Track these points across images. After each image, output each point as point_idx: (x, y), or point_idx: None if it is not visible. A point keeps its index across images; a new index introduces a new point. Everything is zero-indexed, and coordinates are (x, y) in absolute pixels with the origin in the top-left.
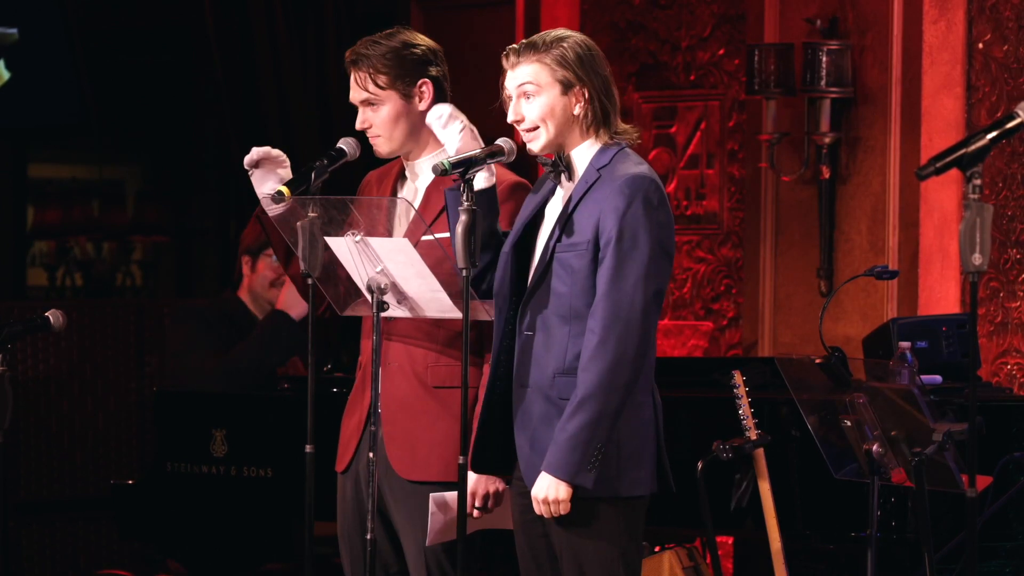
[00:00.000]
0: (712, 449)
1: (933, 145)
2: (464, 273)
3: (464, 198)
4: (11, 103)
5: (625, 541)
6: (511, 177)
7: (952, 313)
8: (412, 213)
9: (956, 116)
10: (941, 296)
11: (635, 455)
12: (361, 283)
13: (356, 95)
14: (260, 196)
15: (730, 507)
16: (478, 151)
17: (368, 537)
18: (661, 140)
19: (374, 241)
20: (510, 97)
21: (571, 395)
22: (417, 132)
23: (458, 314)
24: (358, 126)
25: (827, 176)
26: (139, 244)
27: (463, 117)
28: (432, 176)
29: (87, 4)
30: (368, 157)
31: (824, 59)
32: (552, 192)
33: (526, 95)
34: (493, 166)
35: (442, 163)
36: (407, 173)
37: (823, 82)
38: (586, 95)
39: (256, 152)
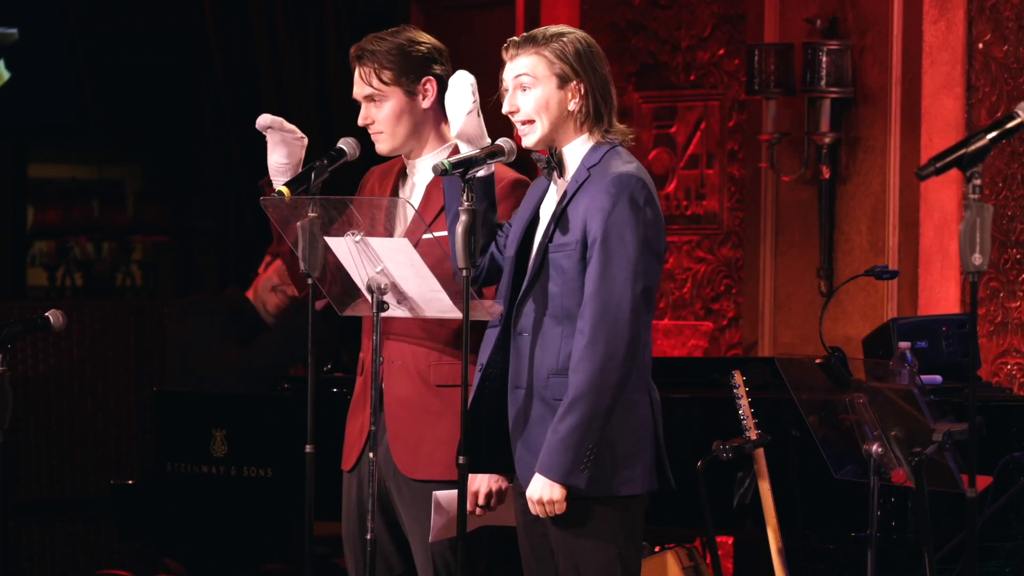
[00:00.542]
0: (712, 449)
1: (933, 145)
2: (464, 273)
3: (464, 198)
4: (11, 103)
5: (622, 540)
6: (511, 174)
7: (952, 313)
8: (412, 212)
9: (956, 116)
10: (941, 296)
11: (630, 454)
12: (361, 283)
13: (359, 90)
14: (269, 164)
15: (732, 506)
16: (477, 151)
17: (368, 537)
18: (661, 140)
19: (374, 241)
20: (507, 89)
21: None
22: (419, 130)
23: (458, 314)
24: (360, 122)
25: (827, 176)
26: (139, 244)
27: (477, 98)
28: (432, 175)
29: (87, 4)
30: (368, 157)
31: (824, 59)
32: (547, 191)
33: (522, 87)
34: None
35: (442, 163)
36: (407, 171)
37: (823, 82)
38: (582, 91)
39: (266, 119)
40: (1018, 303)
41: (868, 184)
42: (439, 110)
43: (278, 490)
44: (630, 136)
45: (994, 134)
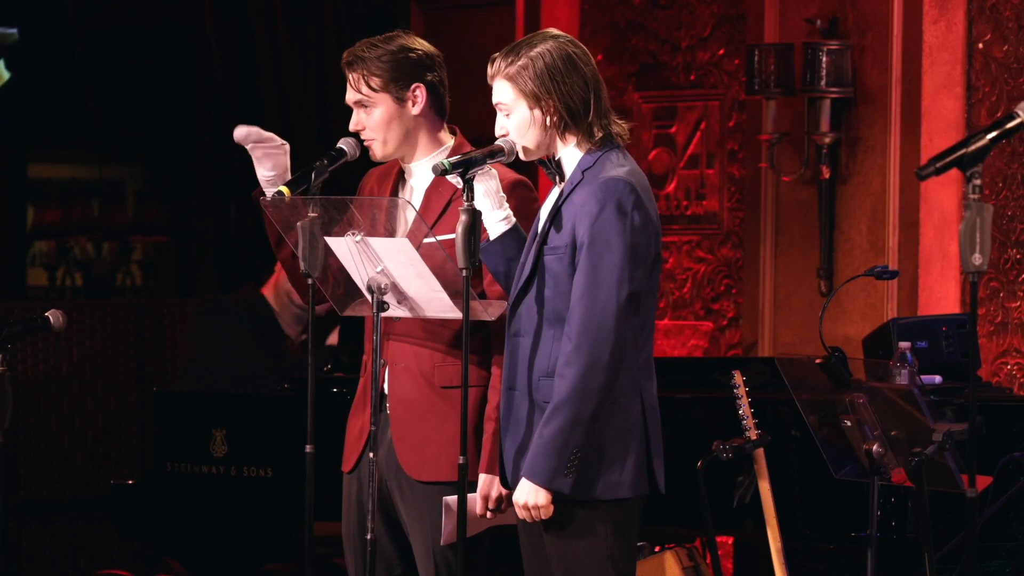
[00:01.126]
0: (712, 449)
1: (933, 145)
2: (464, 273)
3: (465, 198)
4: (11, 103)
5: (613, 543)
6: (511, 175)
7: (952, 313)
8: (412, 214)
9: (956, 116)
10: (941, 296)
11: (617, 458)
12: (361, 283)
13: (350, 96)
14: (259, 178)
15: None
16: (477, 152)
17: (368, 537)
18: (661, 140)
19: (374, 241)
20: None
21: None
22: (411, 136)
23: (458, 314)
24: (351, 127)
25: (827, 176)
26: (139, 244)
27: (496, 185)
28: (430, 178)
29: (87, 4)
30: (367, 158)
31: (824, 59)
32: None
33: (503, 112)
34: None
35: (442, 163)
36: (405, 175)
37: (823, 82)
38: (552, 106)
39: (242, 131)
40: (1018, 303)
41: (868, 184)
42: (432, 115)
43: (278, 490)
44: (626, 135)
45: (994, 134)
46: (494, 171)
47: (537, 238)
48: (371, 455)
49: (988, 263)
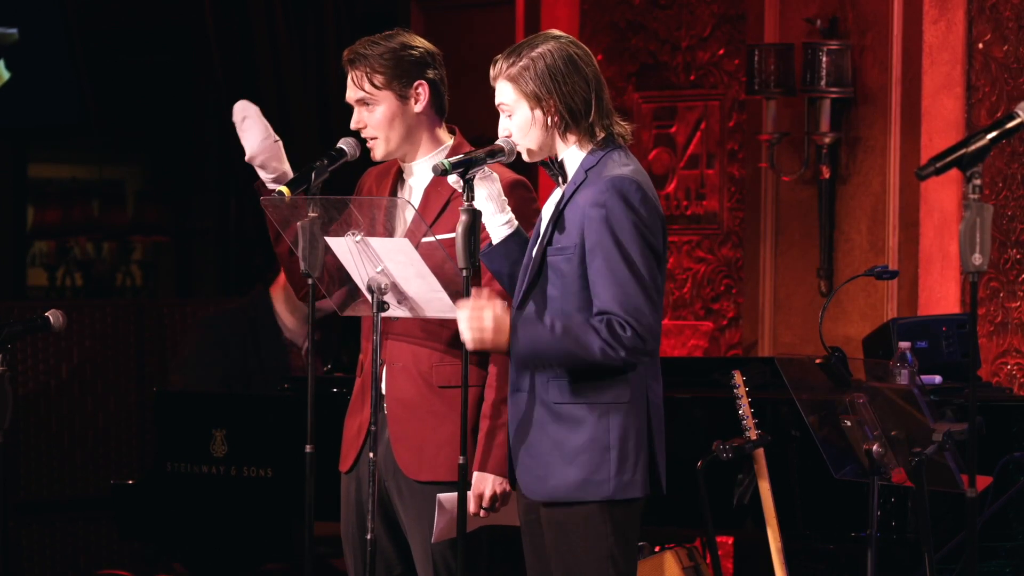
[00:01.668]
0: (712, 449)
1: (933, 145)
2: (464, 273)
3: (465, 198)
4: (11, 103)
5: (614, 543)
6: (510, 175)
7: (952, 313)
8: (412, 213)
9: (956, 116)
10: (941, 296)
11: (627, 459)
12: (361, 283)
13: (352, 94)
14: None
15: (732, 506)
16: (478, 151)
17: (368, 537)
18: (661, 140)
19: (374, 241)
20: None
21: (566, 400)
22: (412, 134)
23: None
24: (353, 125)
25: (827, 176)
26: (139, 244)
27: (498, 189)
28: (429, 177)
29: (87, 4)
30: (366, 158)
31: (824, 59)
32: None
33: (504, 112)
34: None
35: (442, 163)
36: (404, 174)
37: (823, 82)
38: (553, 106)
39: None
40: (1018, 303)
41: (868, 184)
42: (433, 114)
43: (278, 490)
44: (628, 135)
45: (994, 134)
46: (495, 175)
47: (541, 239)
48: (371, 455)
49: (988, 263)
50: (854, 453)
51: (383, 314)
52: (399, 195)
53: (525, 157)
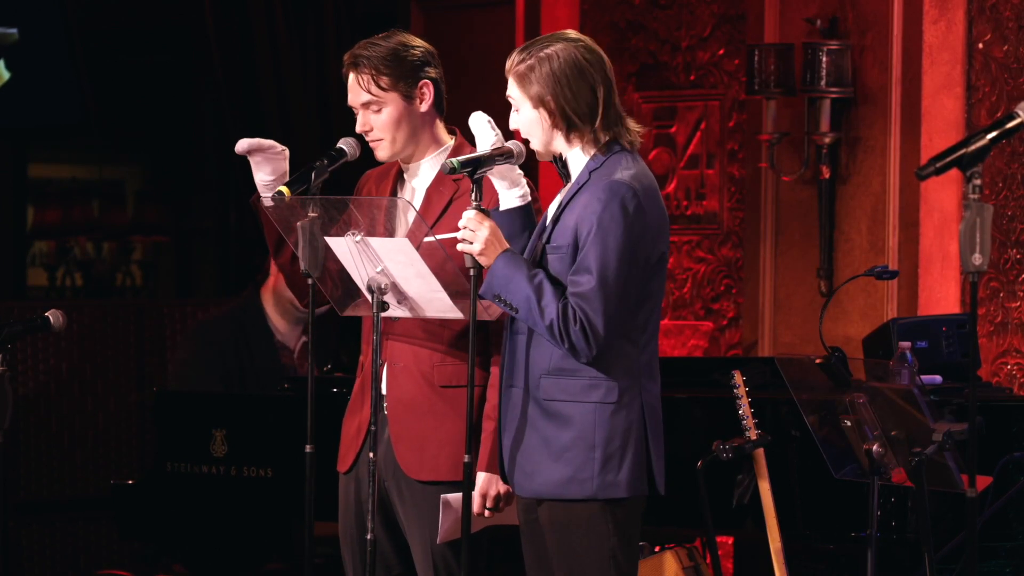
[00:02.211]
0: (712, 449)
1: (933, 145)
2: (472, 272)
3: (473, 198)
4: (11, 103)
5: (615, 542)
6: None
7: (952, 313)
8: (412, 214)
9: (956, 116)
10: (941, 296)
11: (614, 458)
12: (361, 283)
13: (357, 97)
14: (256, 183)
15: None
16: (487, 152)
17: (368, 537)
18: (661, 140)
19: (374, 241)
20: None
21: (556, 397)
22: (417, 134)
23: (458, 314)
24: (359, 129)
25: (827, 176)
26: (139, 244)
27: (498, 132)
28: (431, 178)
29: (87, 4)
30: (368, 157)
31: (824, 59)
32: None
33: (513, 108)
34: (524, 180)
35: (451, 162)
36: (405, 175)
37: (823, 82)
38: (555, 110)
39: (244, 143)
40: (1018, 303)
41: (868, 184)
42: (435, 113)
43: (278, 490)
44: (636, 139)
45: (994, 134)
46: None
47: (541, 236)
48: (371, 455)
49: (988, 263)
50: (854, 453)
51: (383, 314)
52: (399, 195)
53: (537, 154)
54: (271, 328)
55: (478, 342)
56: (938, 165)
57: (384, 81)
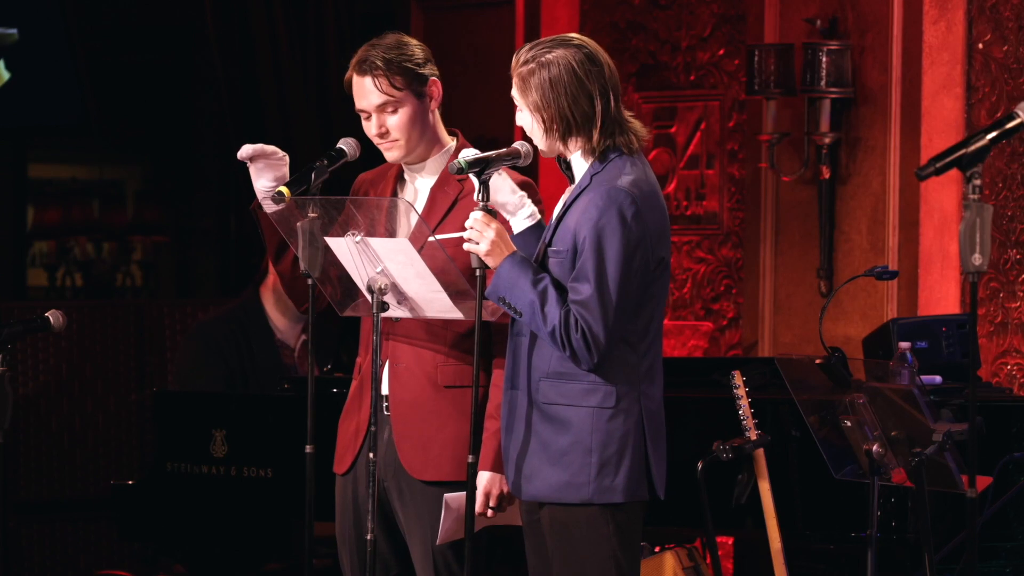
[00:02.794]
0: (712, 449)
1: (933, 145)
2: (478, 273)
3: (480, 198)
4: (11, 103)
5: (616, 544)
6: (517, 177)
7: (952, 313)
8: (413, 214)
9: (956, 116)
10: (941, 296)
11: (611, 463)
12: (361, 283)
13: (371, 100)
14: (256, 190)
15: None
16: (493, 152)
17: (368, 537)
18: (661, 140)
19: (374, 241)
20: None
21: (555, 400)
22: (428, 133)
23: (458, 314)
24: (375, 131)
25: (827, 176)
26: (139, 244)
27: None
28: (435, 178)
29: (87, 4)
30: (367, 157)
31: (824, 59)
32: None
33: (517, 107)
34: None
35: (458, 162)
36: (406, 175)
37: (823, 82)
38: (552, 116)
39: (248, 149)
40: (1018, 303)
41: (868, 184)
42: (438, 113)
43: (278, 490)
44: (637, 143)
45: (994, 134)
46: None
47: (544, 239)
48: (371, 455)
49: (988, 263)
50: (854, 453)
51: (383, 314)
52: (400, 196)
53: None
54: (271, 327)
55: (481, 343)
56: (938, 165)
57: (398, 81)
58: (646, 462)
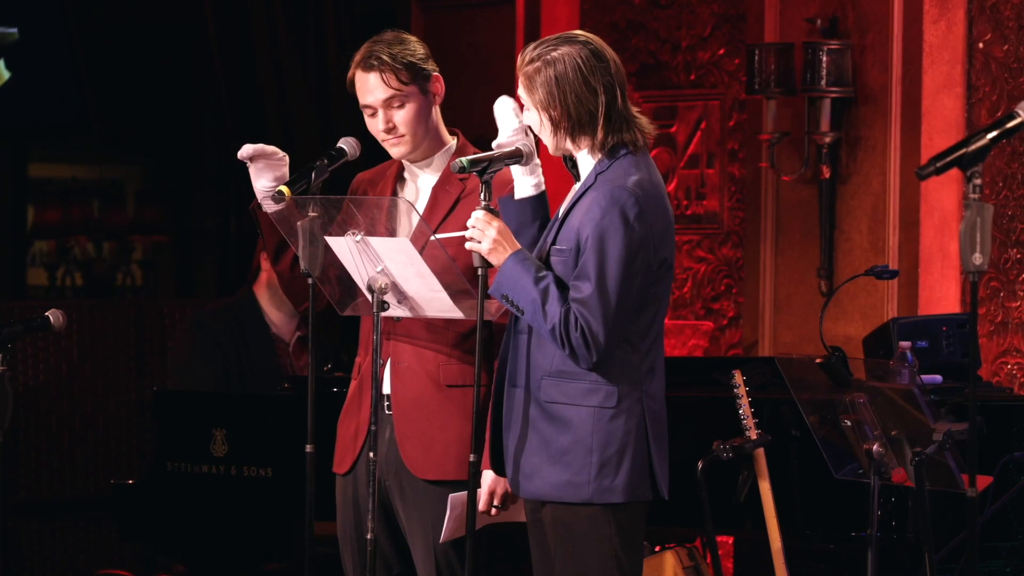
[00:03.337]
0: (712, 449)
1: (933, 145)
2: (480, 272)
3: (483, 198)
4: (11, 103)
5: (618, 544)
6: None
7: (952, 313)
8: (413, 214)
9: (956, 116)
10: (941, 296)
11: (611, 463)
12: (361, 283)
13: (377, 96)
14: (256, 190)
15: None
16: (496, 152)
17: (369, 537)
18: (661, 140)
19: (374, 241)
20: None
21: (557, 399)
22: (431, 129)
23: (459, 314)
24: (382, 127)
25: (827, 176)
26: (139, 244)
27: (522, 118)
28: (436, 176)
29: (87, 4)
30: (368, 158)
31: (824, 59)
32: None
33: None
34: (540, 170)
35: (460, 161)
36: (406, 174)
37: (823, 82)
38: (558, 114)
39: (248, 149)
40: (1018, 303)
41: (868, 184)
42: (439, 111)
43: (278, 490)
44: (646, 139)
45: (994, 134)
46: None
47: (549, 234)
48: (371, 455)
49: (988, 263)
50: (854, 453)
51: (383, 314)
52: (401, 195)
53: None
54: (267, 322)
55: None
56: (938, 165)
57: (404, 75)
58: (649, 462)
